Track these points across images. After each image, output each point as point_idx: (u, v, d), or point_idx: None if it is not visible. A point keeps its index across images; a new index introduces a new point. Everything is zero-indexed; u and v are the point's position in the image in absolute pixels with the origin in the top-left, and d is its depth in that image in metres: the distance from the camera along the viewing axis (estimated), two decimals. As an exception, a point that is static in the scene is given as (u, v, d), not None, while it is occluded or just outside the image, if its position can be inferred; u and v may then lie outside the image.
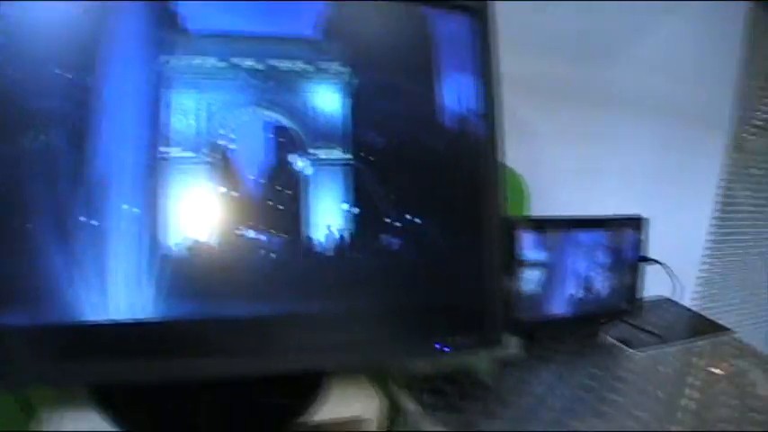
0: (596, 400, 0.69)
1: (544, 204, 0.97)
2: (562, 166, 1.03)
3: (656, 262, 0.91)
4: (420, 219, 0.59)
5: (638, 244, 0.86)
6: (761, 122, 1.42)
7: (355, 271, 0.59)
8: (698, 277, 1.37)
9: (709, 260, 1.37)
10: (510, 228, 0.75)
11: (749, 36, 1.22)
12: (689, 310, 1.04)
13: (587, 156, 1.06)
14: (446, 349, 0.64)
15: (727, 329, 0.95)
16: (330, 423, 0.58)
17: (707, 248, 1.36)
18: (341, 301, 0.58)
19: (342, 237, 0.57)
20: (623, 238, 0.85)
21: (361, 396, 0.62)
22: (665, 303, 1.04)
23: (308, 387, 0.62)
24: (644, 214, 0.89)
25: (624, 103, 1.07)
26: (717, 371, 0.78)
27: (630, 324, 0.91)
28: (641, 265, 0.87)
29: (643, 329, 0.89)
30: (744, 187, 1.41)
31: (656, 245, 0.91)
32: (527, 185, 0.95)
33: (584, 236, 0.82)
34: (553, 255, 0.79)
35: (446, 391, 0.68)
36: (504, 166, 0.87)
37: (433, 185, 0.60)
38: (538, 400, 0.68)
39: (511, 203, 0.97)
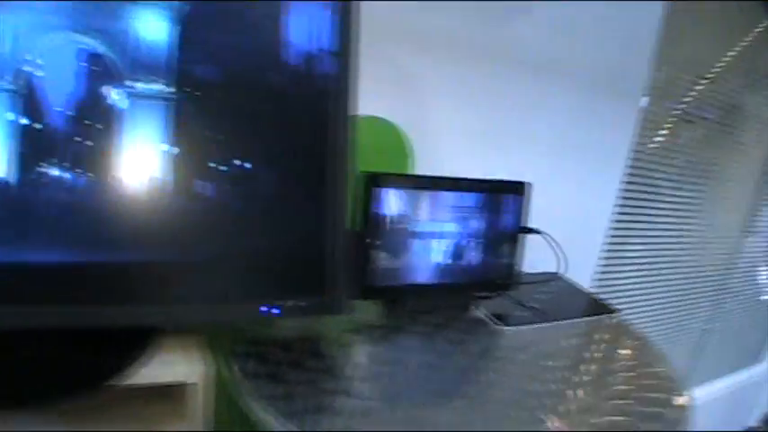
0: (445, 378, 0.62)
1: (432, 166, 0.90)
2: (455, 126, 0.96)
3: (538, 232, 0.85)
4: (251, 165, 0.53)
5: (519, 212, 0.80)
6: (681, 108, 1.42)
7: (170, 220, 0.52)
8: (600, 256, 1.36)
9: (610, 238, 1.35)
10: (369, 183, 0.68)
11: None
12: (579, 288, 1.00)
13: (483, 117, 0.99)
14: (275, 312, 0.57)
15: (613, 310, 0.91)
16: (150, 387, 0.53)
17: (611, 225, 1.34)
18: (152, 253, 0.51)
19: (157, 180, 0.49)
20: (503, 204, 0.78)
21: (186, 360, 0.57)
22: (556, 280, 0.98)
23: (124, 347, 0.55)
24: (544, 185, 0.84)
25: (526, 64, 1.00)
26: (589, 354, 0.73)
27: (514, 299, 0.85)
28: (523, 235, 0.81)
29: (524, 305, 0.84)
30: (650, 167, 1.41)
31: (551, 217, 0.87)
32: (410, 143, 0.88)
33: (457, 198, 0.75)
34: (421, 217, 0.72)
35: (277, 358, 0.60)
36: (382, 119, 0.80)
37: (269, 129, 0.54)
38: (378, 374, 0.61)
39: (392, 162, 0.90)
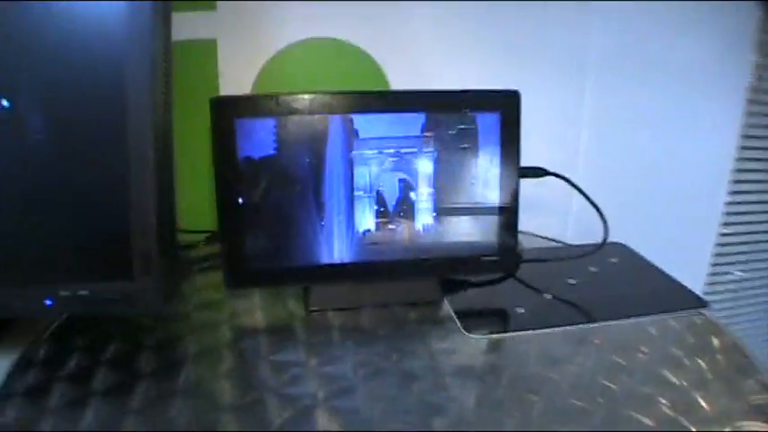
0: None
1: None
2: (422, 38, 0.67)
3: (554, 175, 0.52)
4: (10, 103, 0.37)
5: (512, 141, 0.47)
6: None
7: None
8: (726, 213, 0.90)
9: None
10: (223, 113, 0.43)
11: None
12: (648, 262, 0.60)
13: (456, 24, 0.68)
14: (47, 304, 0.38)
15: (704, 303, 0.51)
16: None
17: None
18: None
19: None
20: (482, 130, 0.47)
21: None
22: (616, 251, 0.61)
23: None
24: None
25: None
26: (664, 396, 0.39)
27: (522, 281, 0.54)
28: (520, 181, 0.49)
29: (542, 293, 0.51)
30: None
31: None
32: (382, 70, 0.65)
33: (395, 123, 0.46)
34: (330, 159, 0.46)
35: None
36: (344, 42, 0.64)
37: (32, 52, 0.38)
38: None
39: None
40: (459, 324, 0.47)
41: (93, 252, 0.40)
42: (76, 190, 0.39)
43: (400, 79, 0.68)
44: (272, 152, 0.45)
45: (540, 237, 0.67)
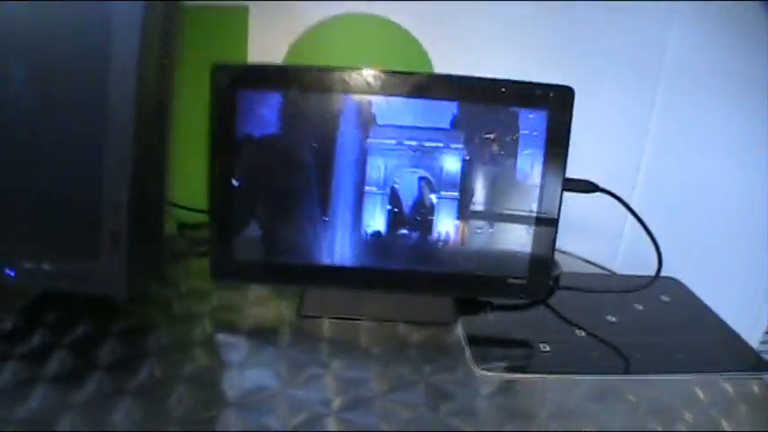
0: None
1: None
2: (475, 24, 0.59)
3: (603, 191, 0.43)
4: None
5: (560, 146, 0.40)
6: None
7: None
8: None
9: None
10: (223, 83, 0.38)
11: None
12: (705, 306, 0.49)
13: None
14: (9, 273, 0.35)
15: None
16: None
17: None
18: None
19: None
20: (519, 130, 0.39)
21: None
22: (668, 287, 0.51)
23: None
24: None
25: None
26: None
27: (554, 310, 0.46)
28: (564, 194, 0.41)
29: (576, 328, 0.43)
30: None
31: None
32: (421, 48, 0.58)
33: (417, 111, 0.39)
34: (342, 146, 0.39)
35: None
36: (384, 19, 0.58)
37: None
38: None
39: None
40: (469, 354, 0.40)
41: (62, 225, 0.35)
42: (49, 156, 0.35)
43: (447, 67, 0.61)
44: (275, 131, 0.39)
45: (583, 260, 0.58)
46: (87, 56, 0.33)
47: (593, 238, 0.61)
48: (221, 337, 0.41)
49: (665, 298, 0.50)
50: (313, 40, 0.60)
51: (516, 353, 0.41)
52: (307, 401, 0.34)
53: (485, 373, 0.38)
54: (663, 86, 0.60)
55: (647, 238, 0.45)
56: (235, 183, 0.40)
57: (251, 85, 0.39)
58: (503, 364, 0.39)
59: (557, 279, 0.50)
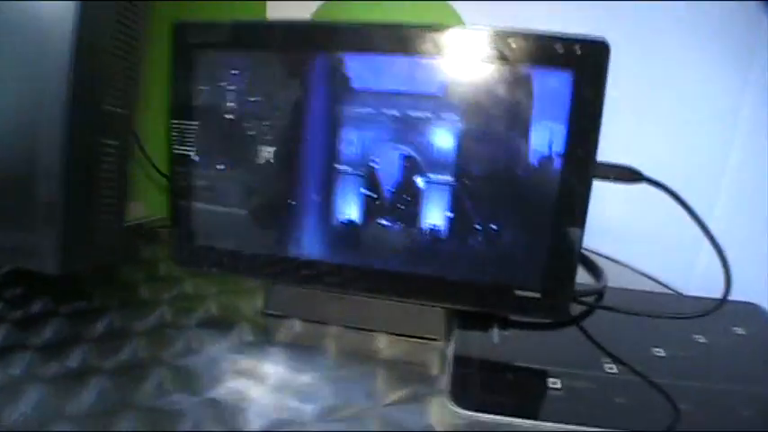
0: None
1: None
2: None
3: (654, 183, 0.31)
4: None
5: (584, 117, 0.29)
6: None
7: None
8: None
9: None
10: (181, 44, 0.33)
11: None
12: None
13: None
14: None
15: None
16: None
17: None
18: None
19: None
20: (534, 97, 0.30)
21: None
22: (745, 315, 0.37)
23: None
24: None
25: None
26: None
27: (584, 332, 0.35)
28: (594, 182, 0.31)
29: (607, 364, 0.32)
30: None
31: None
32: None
33: (404, 76, 0.31)
34: (310, 115, 0.33)
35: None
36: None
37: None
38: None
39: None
40: (448, 383, 0.30)
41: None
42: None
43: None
44: (236, 99, 0.34)
45: (642, 273, 0.45)
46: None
47: (668, 250, 0.48)
48: (170, 327, 0.36)
49: (738, 330, 0.36)
50: (335, 8, 0.55)
51: (512, 388, 0.31)
52: (213, 418, 0.27)
53: (459, 410, 0.28)
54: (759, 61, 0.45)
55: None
56: (195, 157, 0.36)
57: (210, 45, 0.34)
58: (486, 403, 0.29)
59: (600, 294, 0.39)
